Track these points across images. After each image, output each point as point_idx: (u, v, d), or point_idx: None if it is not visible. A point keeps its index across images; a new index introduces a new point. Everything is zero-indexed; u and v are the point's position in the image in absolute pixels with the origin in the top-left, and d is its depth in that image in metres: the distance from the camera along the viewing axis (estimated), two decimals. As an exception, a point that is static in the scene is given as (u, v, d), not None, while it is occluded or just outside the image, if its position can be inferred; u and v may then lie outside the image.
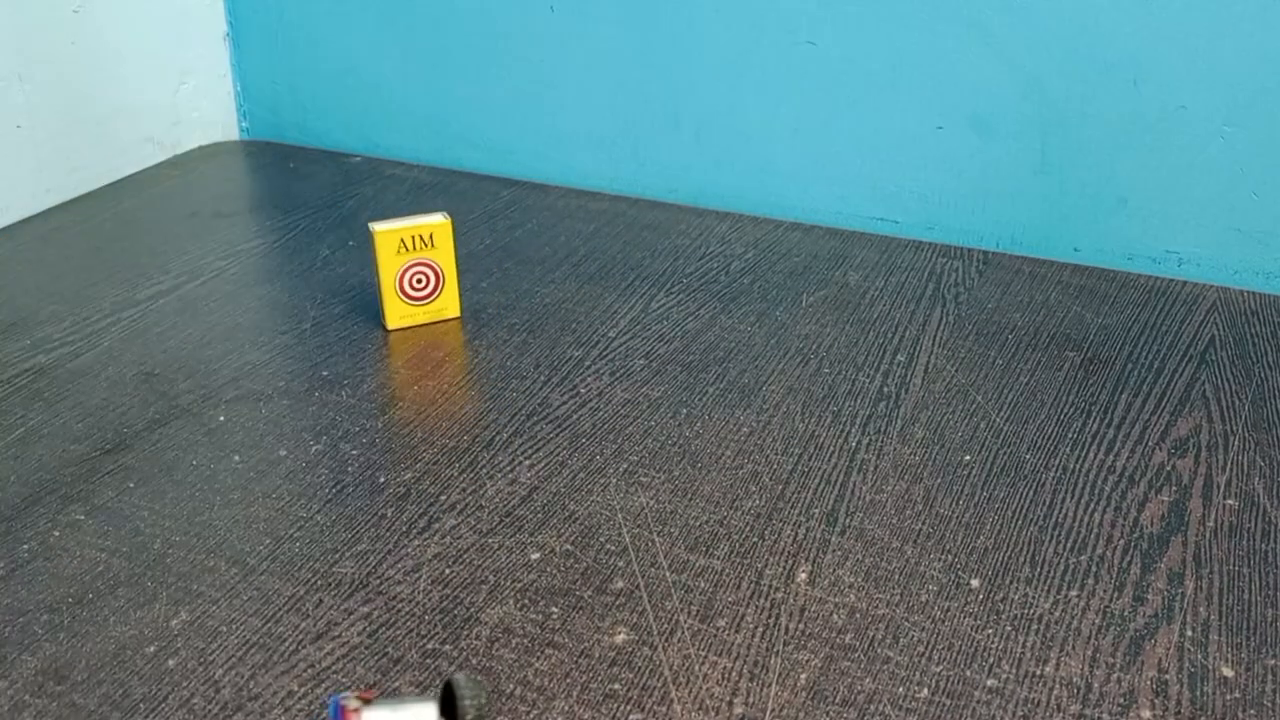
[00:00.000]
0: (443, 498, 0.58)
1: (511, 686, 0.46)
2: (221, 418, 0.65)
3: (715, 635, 0.50)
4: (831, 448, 0.63)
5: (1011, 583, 0.53)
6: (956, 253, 0.88)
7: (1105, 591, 0.53)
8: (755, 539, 0.56)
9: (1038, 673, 0.48)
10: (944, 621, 0.51)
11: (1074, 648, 0.49)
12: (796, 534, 0.56)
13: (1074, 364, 0.72)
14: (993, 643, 0.49)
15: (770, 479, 0.60)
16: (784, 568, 0.54)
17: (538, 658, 0.48)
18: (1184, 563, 0.55)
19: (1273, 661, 0.49)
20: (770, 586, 0.53)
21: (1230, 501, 0.59)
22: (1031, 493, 0.59)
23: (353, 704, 0.35)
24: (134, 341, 0.74)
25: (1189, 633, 0.50)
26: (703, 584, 0.53)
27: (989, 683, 0.47)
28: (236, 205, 0.97)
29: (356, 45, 1.06)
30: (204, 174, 1.04)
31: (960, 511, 0.58)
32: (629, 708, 0.45)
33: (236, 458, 0.62)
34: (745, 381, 0.70)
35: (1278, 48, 0.79)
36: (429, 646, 0.49)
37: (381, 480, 0.59)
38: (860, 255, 0.88)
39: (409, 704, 0.37)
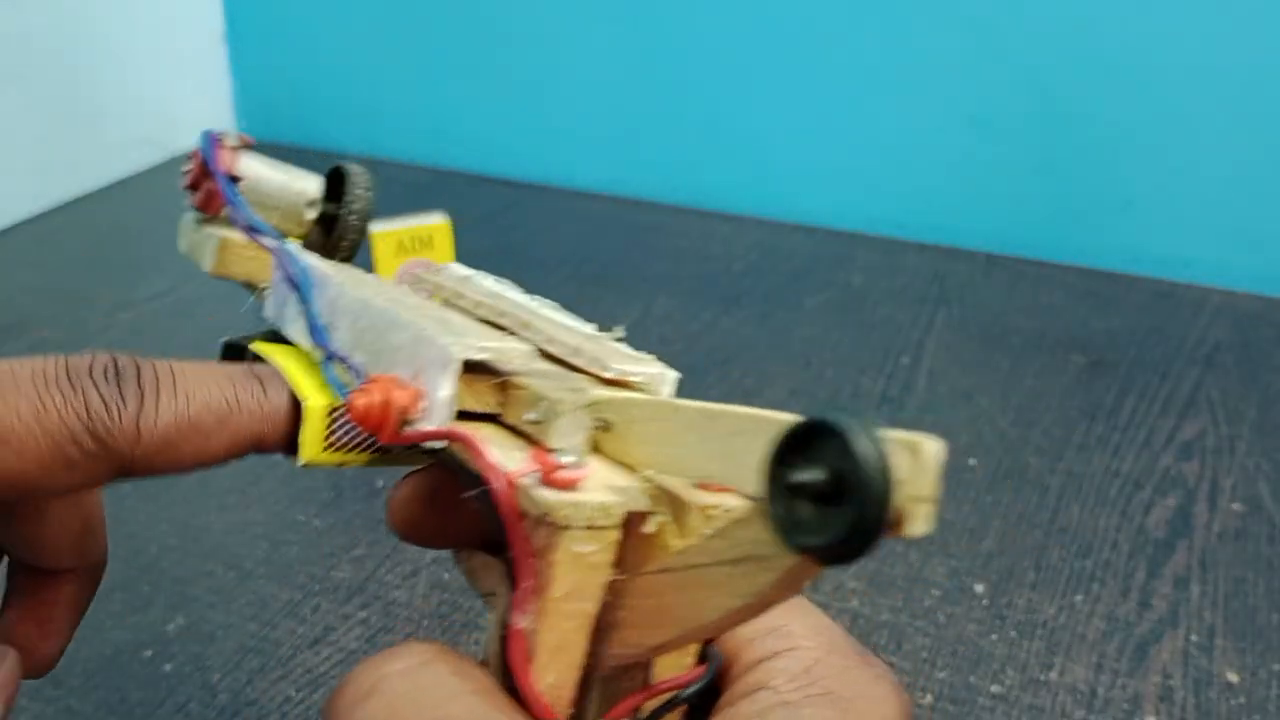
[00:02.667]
0: (442, 501, 0.58)
1: (511, 693, 0.46)
2: (219, 420, 0.65)
3: (717, 641, 0.49)
4: (834, 451, 0.63)
5: (1016, 588, 0.53)
6: (960, 255, 0.88)
7: (1110, 597, 0.52)
8: (757, 543, 0.55)
9: (1042, 679, 0.47)
10: (948, 627, 0.50)
11: (1079, 654, 0.49)
12: (798, 538, 0.56)
13: (1079, 367, 0.72)
14: (997, 649, 0.49)
15: (772, 482, 0.60)
16: (786, 572, 0.53)
17: (537, 663, 0.47)
18: (1189, 568, 0.54)
19: (1277, 666, 0.48)
20: (772, 591, 0.52)
21: (1236, 506, 0.59)
22: (1037, 497, 0.59)
23: (232, 140, 0.31)
24: (131, 343, 0.73)
25: (1194, 638, 0.50)
26: (704, 589, 0.52)
27: (993, 689, 0.47)
28: (235, 206, 0.96)
29: (354, 45, 1.06)
30: (203, 175, 1.04)
31: (964, 516, 0.57)
32: (629, 714, 0.45)
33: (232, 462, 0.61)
34: (748, 384, 0.69)
35: (1283, 49, 0.79)
36: (427, 652, 0.48)
37: (379, 484, 0.59)
38: (863, 257, 0.87)
39: (294, 169, 0.33)
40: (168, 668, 0.47)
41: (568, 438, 0.24)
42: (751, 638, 0.25)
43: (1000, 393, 0.69)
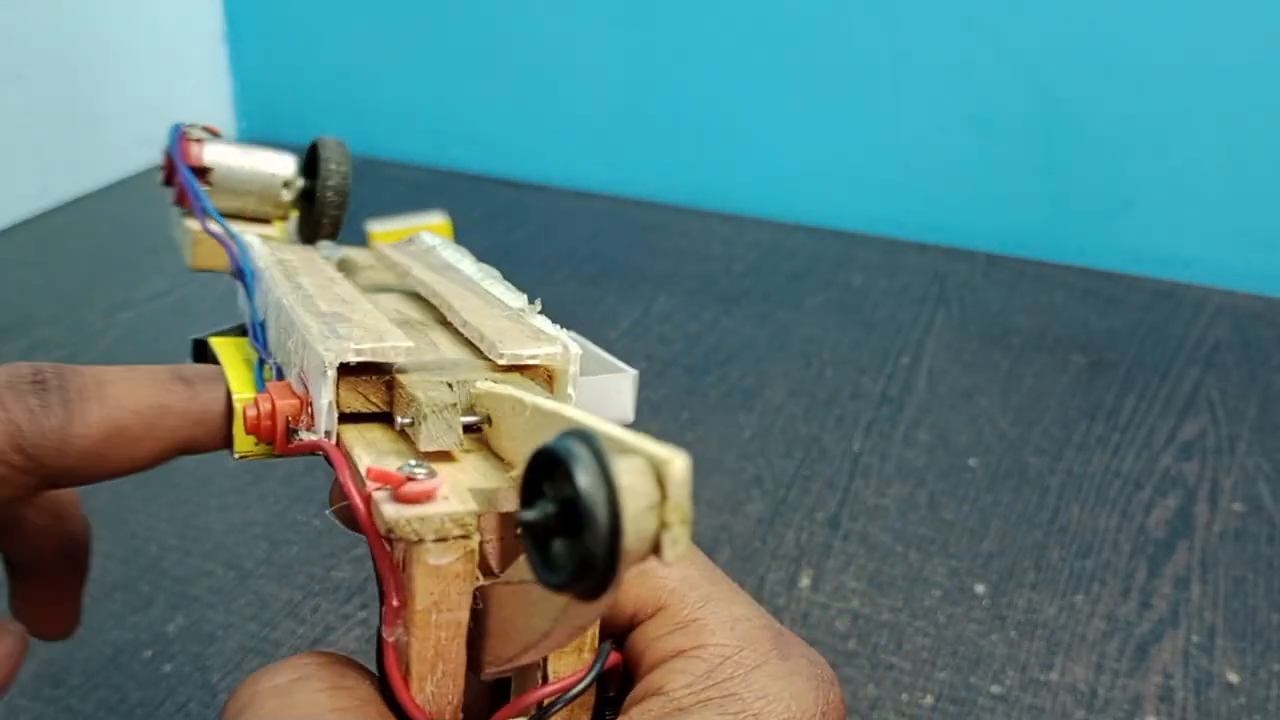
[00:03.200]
0: (442, 501, 0.58)
1: (511, 693, 0.46)
2: (219, 420, 0.65)
3: (717, 641, 0.49)
4: (834, 451, 0.63)
5: (1016, 588, 0.53)
6: (960, 255, 0.88)
7: (1110, 597, 0.52)
8: (757, 544, 0.55)
9: (1043, 679, 0.47)
10: (948, 627, 0.50)
11: (1079, 654, 0.49)
12: (799, 539, 0.56)
13: (1079, 367, 0.72)
14: (998, 649, 0.49)
15: (772, 483, 0.60)
16: (787, 573, 0.53)
17: (537, 663, 0.47)
18: (1189, 568, 0.54)
19: (1277, 667, 0.48)
20: (773, 592, 0.52)
21: (1236, 506, 0.59)
22: (1037, 497, 0.59)
23: (196, 133, 0.31)
24: (131, 343, 0.73)
25: (1194, 638, 0.50)
26: (704, 589, 0.52)
27: (994, 689, 0.47)
28: (235, 206, 0.96)
29: (354, 45, 1.06)
30: (203, 175, 1.04)
31: (964, 516, 0.57)
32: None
33: (232, 462, 0.61)
34: (747, 384, 0.69)
35: (1283, 49, 0.79)
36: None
37: (380, 483, 0.59)
38: (863, 257, 0.87)
39: (266, 152, 0.32)
40: (168, 668, 0.47)
41: (435, 440, 0.23)
42: (659, 635, 0.24)
43: (1000, 393, 0.69)
